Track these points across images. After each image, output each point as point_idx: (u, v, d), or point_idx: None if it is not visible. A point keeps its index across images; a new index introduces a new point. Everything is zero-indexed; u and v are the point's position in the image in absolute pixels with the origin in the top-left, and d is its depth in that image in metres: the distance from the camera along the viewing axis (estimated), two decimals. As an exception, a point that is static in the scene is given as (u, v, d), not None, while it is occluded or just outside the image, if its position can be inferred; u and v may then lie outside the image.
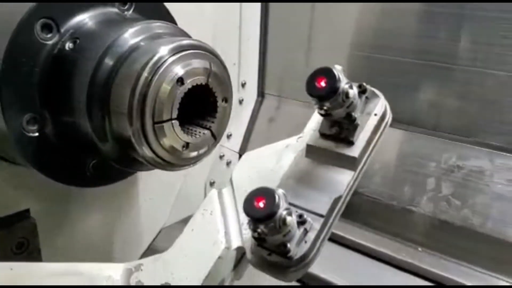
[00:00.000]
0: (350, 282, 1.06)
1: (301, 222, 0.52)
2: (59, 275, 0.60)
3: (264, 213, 0.48)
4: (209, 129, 0.68)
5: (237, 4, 1.25)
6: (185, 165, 0.68)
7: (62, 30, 0.67)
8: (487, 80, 1.04)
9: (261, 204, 0.49)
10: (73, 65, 0.65)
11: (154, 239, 1.16)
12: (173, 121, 0.61)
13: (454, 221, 1.07)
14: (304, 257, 0.52)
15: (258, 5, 1.29)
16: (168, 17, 0.81)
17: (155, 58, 0.60)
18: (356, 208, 1.16)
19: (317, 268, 1.06)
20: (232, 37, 1.24)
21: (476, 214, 1.04)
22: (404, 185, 1.12)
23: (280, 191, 0.50)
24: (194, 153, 0.67)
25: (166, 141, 0.62)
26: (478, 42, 1.03)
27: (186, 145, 0.65)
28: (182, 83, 0.61)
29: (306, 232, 0.53)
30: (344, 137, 0.57)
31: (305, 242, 0.52)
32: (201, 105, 0.66)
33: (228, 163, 1.32)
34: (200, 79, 0.63)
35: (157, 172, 0.75)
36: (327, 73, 0.52)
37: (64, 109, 0.67)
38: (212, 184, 1.29)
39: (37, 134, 0.68)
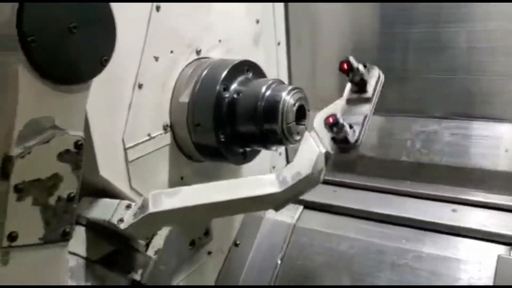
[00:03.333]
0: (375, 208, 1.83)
1: (350, 126, 1.22)
2: (240, 185, 1.29)
3: (334, 122, 1.19)
4: (304, 125, 1.45)
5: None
6: (296, 143, 1.44)
7: (230, 89, 1.44)
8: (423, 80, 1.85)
9: (330, 119, 1.18)
10: (241, 104, 1.42)
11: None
12: (294, 122, 1.39)
13: (425, 162, 1.87)
14: (355, 142, 1.22)
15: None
16: (262, 72, 1.58)
17: (283, 97, 1.38)
18: (369, 166, 1.95)
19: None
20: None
21: (436, 155, 1.85)
22: (392, 146, 1.92)
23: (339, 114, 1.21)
24: (299, 137, 1.44)
25: (293, 130, 1.40)
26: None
27: (298, 133, 1.42)
28: (294, 105, 1.39)
29: (354, 131, 1.22)
30: (362, 90, 1.29)
31: (355, 136, 1.22)
32: (299, 114, 1.43)
33: (280, 153, 2.07)
34: (302, 102, 1.41)
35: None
36: (347, 60, 1.24)
37: (236, 124, 1.43)
38: (273, 168, 2.05)
39: (224, 139, 1.44)
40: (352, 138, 1.15)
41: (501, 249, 1.61)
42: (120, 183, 1.34)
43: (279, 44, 1.95)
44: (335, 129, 1.13)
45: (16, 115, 0.85)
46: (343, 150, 1.16)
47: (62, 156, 0.92)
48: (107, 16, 0.95)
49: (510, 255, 1.54)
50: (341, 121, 1.13)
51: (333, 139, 1.16)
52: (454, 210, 1.75)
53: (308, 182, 1.14)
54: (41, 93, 0.87)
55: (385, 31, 1.90)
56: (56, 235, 0.93)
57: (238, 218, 1.85)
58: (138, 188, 1.39)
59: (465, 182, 1.78)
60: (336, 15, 1.99)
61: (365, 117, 1.18)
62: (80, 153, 0.94)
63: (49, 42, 0.85)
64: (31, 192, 0.87)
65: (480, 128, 1.78)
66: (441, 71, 1.83)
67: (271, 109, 1.38)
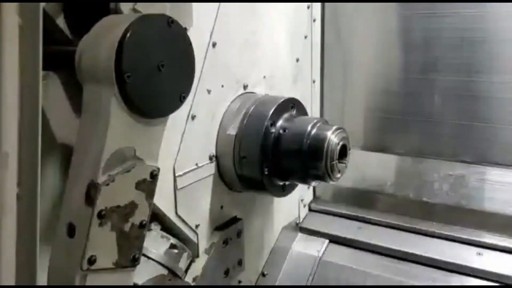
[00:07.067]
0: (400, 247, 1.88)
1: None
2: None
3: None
4: (344, 163, 1.51)
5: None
6: (337, 180, 1.50)
7: (276, 125, 1.50)
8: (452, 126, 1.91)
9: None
10: (287, 140, 1.48)
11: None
12: (337, 161, 1.45)
13: (451, 204, 1.92)
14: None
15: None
16: (305, 110, 1.64)
17: (328, 137, 1.44)
18: (395, 204, 2.00)
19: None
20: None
21: (463, 199, 1.90)
22: (420, 187, 1.97)
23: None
24: (340, 175, 1.50)
25: (335, 168, 1.45)
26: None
27: (339, 171, 1.48)
28: (338, 144, 1.45)
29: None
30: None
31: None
32: (341, 152, 1.49)
33: (308, 187, 2.12)
34: (345, 142, 1.47)
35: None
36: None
37: (280, 159, 1.49)
38: (301, 200, 2.10)
39: (267, 173, 1.49)
40: None
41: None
42: (167, 209, 1.38)
43: (314, 82, 2.02)
44: None
45: (105, 144, 0.90)
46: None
47: (139, 185, 0.97)
48: (189, 55, 1.01)
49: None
50: None
51: None
52: (479, 254, 1.79)
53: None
54: (128, 125, 0.93)
55: (414, 76, 1.98)
56: (127, 260, 0.97)
57: (267, 249, 1.89)
58: (182, 215, 1.43)
59: (491, 226, 1.82)
60: (368, 57, 2.07)
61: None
62: (154, 183, 1.00)
63: (142, 78, 0.91)
64: (111, 218, 0.92)
65: (507, 175, 1.83)
66: (471, 119, 1.90)
67: (316, 147, 1.44)
